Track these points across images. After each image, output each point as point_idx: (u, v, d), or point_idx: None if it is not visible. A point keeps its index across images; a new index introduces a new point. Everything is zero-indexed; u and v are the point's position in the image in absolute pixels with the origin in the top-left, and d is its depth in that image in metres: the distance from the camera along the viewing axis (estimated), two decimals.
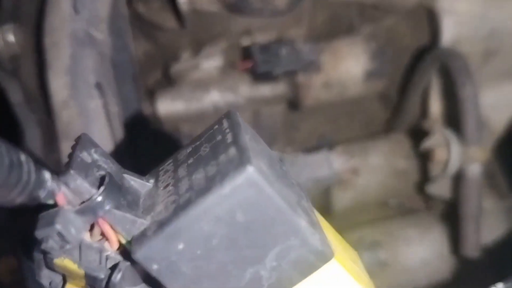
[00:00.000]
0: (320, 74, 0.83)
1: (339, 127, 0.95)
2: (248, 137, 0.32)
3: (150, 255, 0.28)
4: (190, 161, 0.32)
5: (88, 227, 0.28)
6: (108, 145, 0.53)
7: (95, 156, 0.29)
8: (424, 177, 0.80)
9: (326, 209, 0.82)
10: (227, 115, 0.34)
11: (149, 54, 0.88)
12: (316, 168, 0.74)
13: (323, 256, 0.30)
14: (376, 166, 0.80)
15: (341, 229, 0.81)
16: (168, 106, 0.84)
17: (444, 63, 0.72)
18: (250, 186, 0.28)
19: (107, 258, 0.29)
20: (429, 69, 0.77)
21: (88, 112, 0.53)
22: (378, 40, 0.91)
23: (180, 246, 0.28)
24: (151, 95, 0.85)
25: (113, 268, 0.29)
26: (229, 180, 0.28)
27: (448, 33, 0.83)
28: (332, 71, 0.84)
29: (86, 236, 0.28)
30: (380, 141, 0.84)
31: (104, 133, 0.54)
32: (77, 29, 0.55)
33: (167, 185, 0.31)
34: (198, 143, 0.33)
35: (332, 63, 0.84)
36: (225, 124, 0.33)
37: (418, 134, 0.89)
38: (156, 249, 0.28)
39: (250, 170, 0.28)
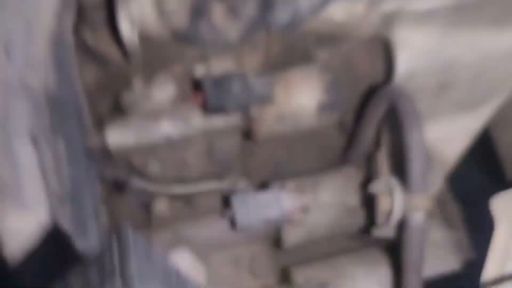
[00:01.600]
0: (273, 106, 0.82)
1: (295, 154, 0.94)
2: (137, 261, 0.30)
3: None
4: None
5: None
6: (42, 201, 0.51)
7: None
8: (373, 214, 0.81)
9: (277, 243, 0.82)
10: (117, 234, 0.32)
11: (99, 81, 0.85)
12: (266, 209, 0.74)
13: None
14: (326, 203, 0.79)
15: (292, 264, 0.81)
16: (118, 138, 0.81)
17: (393, 104, 0.72)
18: None
19: None
20: (380, 106, 0.77)
21: (20, 168, 0.52)
22: (335, 67, 0.91)
23: None
24: (101, 125, 0.83)
25: None
26: None
27: (403, 67, 0.83)
28: (285, 103, 0.83)
29: None
30: (332, 175, 0.84)
31: (38, 190, 0.52)
32: (10, 78, 0.53)
33: None
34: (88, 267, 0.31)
35: (285, 96, 0.82)
36: (115, 247, 0.31)
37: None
38: None
39: None
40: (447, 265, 0.86)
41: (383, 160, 0.80)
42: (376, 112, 0.78)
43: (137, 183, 0.76)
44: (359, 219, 0.79)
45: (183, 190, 0.78)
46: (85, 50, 0.80)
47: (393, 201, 0.65)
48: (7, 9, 0.53)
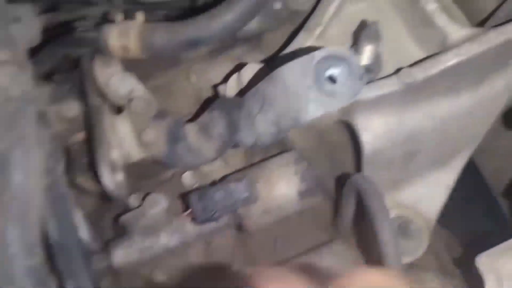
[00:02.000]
0: (258, 202, 0.89)
1: (290, 229, 1.00)
2: None
3: None
4: None
5: None
6: None
7: None
8: None
9: None
10: None
11: (97, 208, 0.93)
12: None
13: None
14: None
15: None
16: (123, 257, 0.89)
17: (362, 199, 0.78)
18: None
19: None
20: (350, 196, 0.83)
21: None
22: (308, 142, 0.97)
23: None
24: (106, 247, 0.90)
25: None
26: None
27: (368, 147, 0.89)
28: (268, 198, 0.89)
29: None
30: (324, 255, 0.90)
31: None
32: (11, 267, 0.60)
33: None
34: None
35: (267, 191, 0.89)
36: None
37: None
38: None
39: None
40: None
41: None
42: (349, 200, 0.84)
43: None
44: None
45: None
46: (79, 189, 0.88)
47: None
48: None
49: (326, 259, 0.89)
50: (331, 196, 0.97)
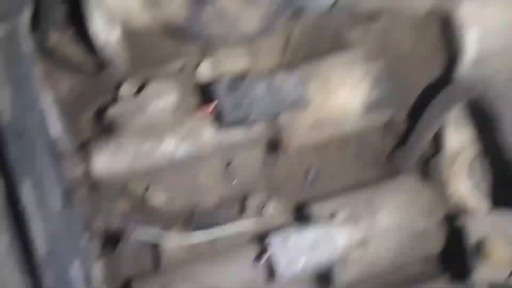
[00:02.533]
0: (308, 111, 0.64)
1: (327, 159, 0.76)
2: None
3: None
4: None
5: None
6: None
7: None
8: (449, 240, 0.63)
9: (325, 280, 0.65)
10: None
11: (77, 93, 0.66)
12: (315, 250, 0.56)
13: None
14: (387, 230, 0.62)
15: None
16: (108, 164, 0.63)
17: (490, 112, 0.53)
18: None
19: None
20: (449, 106, 0.59)
21: None
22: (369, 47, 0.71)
23: None
24: (83, 149, 0.64)
25: None
26: None
27: (473, 49, 0.65)
28: (323, 106, 0.65)
29: None
30: (390, 191, 0.66)
31: None
32: None
33: None
34: None
35: (323, 97, 0.65)
36: None
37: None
38: None
39: None
40: None
41: (456, 172, 0.62)
42: (444, 113, 0.60)
43: (140, 235, 0.58)
44: (432, 243, 0.63)
45: (204, 238, 0.59)
46: (53, 55, 0.60)
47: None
48: None
49: (394, 199, 0.65)
50: (395, 129, 0.73)
